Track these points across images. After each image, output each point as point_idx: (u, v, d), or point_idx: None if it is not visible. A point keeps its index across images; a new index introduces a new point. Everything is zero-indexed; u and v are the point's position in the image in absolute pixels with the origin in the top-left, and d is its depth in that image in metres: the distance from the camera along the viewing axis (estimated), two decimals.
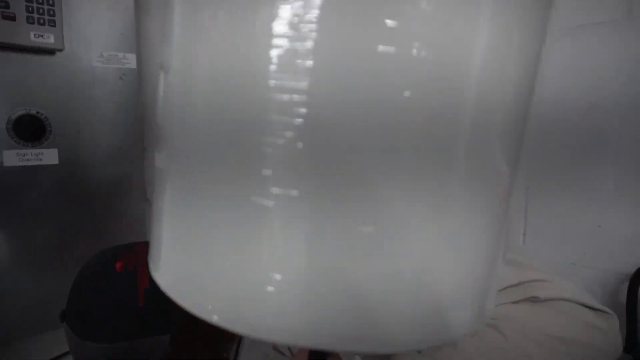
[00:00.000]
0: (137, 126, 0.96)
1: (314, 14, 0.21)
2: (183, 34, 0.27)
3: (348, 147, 0.22)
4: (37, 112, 0.81)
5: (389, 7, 0.21)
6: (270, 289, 0.23)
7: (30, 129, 0.80)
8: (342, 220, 0.22)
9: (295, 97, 0.22)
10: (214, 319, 0.24)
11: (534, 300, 0.44)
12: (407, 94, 0.22)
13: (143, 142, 0.99)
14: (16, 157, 0.79)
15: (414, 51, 0.22)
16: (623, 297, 0.86)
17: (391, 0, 0.21)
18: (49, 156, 0.85)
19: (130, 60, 0.91)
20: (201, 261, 0.26)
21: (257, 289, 0.24)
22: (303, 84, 0.22)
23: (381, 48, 0.21)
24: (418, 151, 0.23)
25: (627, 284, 0.85)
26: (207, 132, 0.25)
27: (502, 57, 0.24)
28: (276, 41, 0.22)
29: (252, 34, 0.23)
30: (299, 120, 0.22)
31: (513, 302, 0.45)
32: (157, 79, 0.31)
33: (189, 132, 0.26)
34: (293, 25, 0.22)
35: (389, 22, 0.21)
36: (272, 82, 0.22)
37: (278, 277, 0.23)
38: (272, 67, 0.22)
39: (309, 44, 0.22)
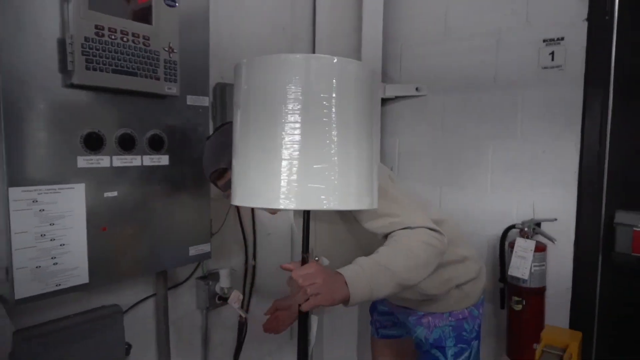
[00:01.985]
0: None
1: None
2: None
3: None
4: (160, 133, 1.35)
5: None
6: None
7: (156, 143, 1.34)
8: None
9: None
10: (256, 204, 0.76)
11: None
12: None
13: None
14: (149, 159, 1.33)
15: None
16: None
17: None
18: (164, 159, 1.38)
19: (204, 101, 1.47)
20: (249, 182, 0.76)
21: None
22: None
23: None
24: None
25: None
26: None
27: None
28: None
29: None
30: None
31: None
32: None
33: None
34: None
35: None
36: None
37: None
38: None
39: None
